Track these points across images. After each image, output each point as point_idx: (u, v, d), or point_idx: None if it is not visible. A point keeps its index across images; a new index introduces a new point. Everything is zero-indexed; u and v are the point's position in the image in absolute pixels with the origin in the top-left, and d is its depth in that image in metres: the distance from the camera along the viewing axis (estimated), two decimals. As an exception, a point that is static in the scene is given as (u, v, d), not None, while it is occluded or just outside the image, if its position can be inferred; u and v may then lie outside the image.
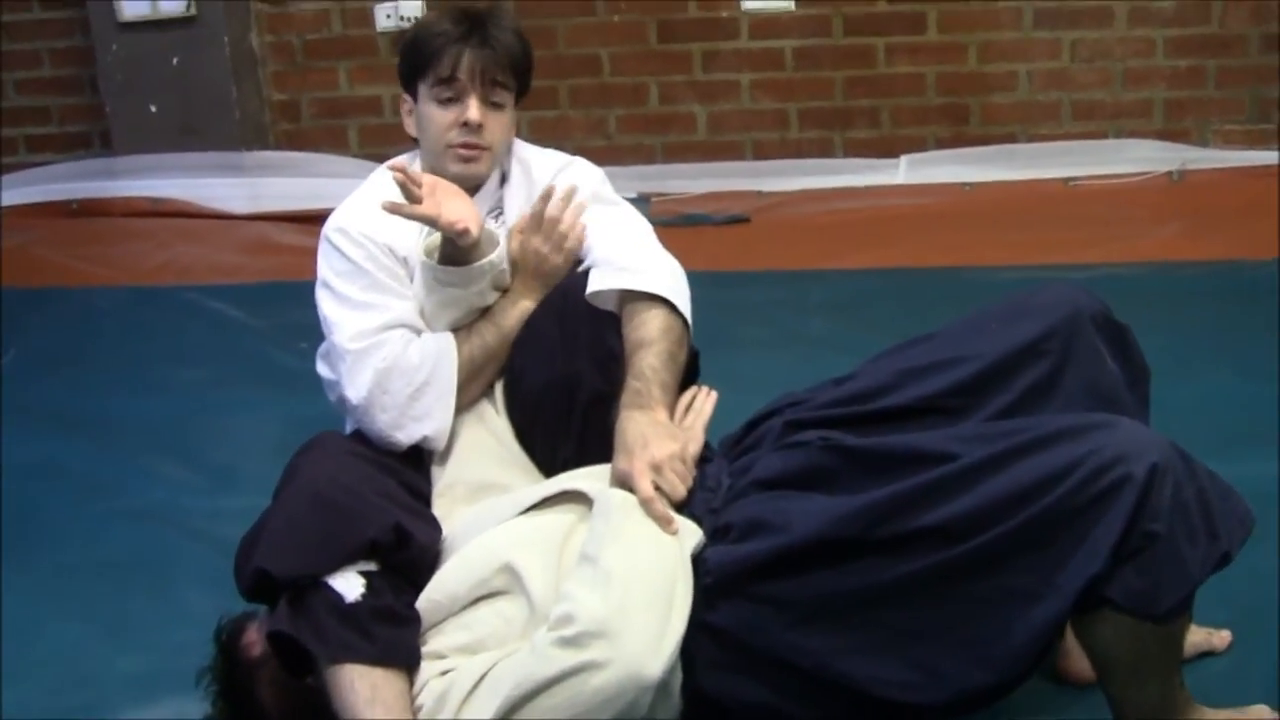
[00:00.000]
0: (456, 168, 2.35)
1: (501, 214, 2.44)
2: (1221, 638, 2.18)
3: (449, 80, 2.32)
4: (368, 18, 5.14)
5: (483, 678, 1.88)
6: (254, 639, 2.06)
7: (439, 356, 2.27)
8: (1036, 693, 2.07)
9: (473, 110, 2.32)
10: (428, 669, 1.94)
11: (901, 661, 1.79)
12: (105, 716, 2.25)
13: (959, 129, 4.92)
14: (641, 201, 4.78)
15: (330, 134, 5.28)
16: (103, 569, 2.70)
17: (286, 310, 3.97)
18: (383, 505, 2.05)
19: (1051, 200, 4.60)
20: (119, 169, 5.15)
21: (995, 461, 1.75)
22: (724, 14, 4.93)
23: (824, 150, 5.00)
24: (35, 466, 3.16)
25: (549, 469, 2.25)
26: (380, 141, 5.14)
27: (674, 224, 4.60)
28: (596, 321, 2.25)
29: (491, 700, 1.83)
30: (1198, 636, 2.15)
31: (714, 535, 1.96)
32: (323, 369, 2.43)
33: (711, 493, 2.05)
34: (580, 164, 2.51)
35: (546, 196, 2.35)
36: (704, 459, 2.13)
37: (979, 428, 1.88)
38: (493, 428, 2.31)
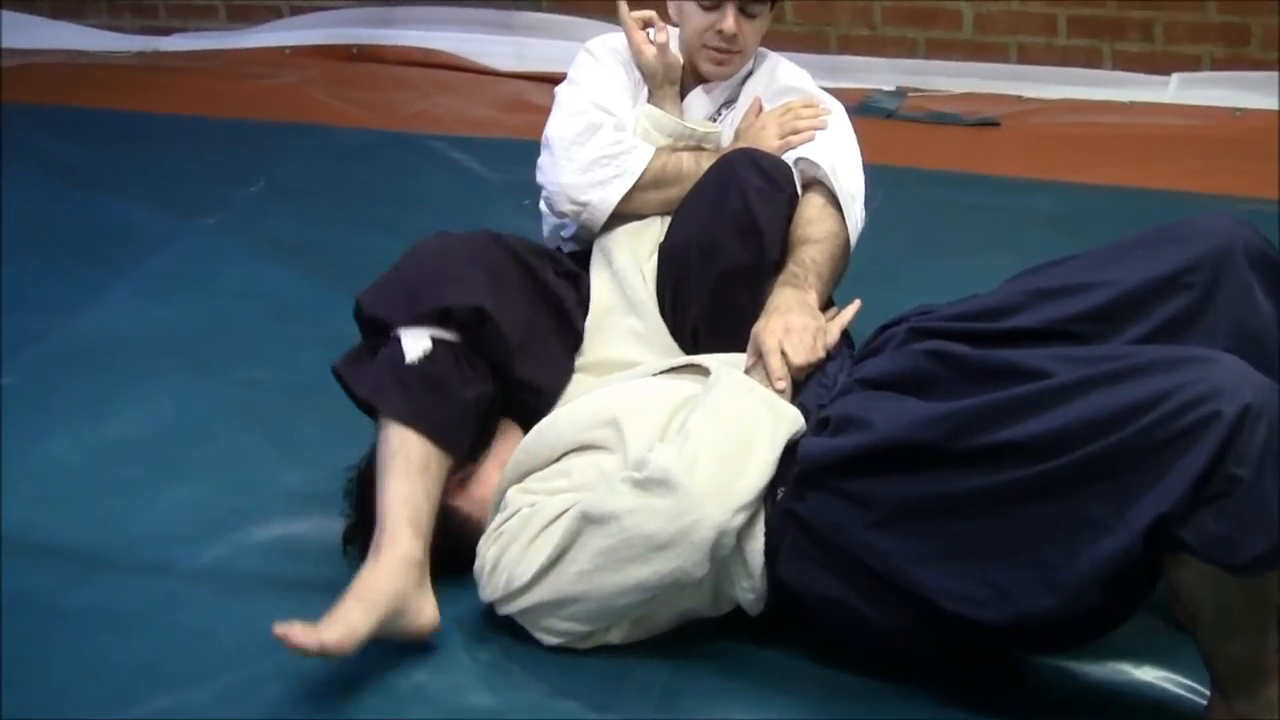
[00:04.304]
0: (707, 67, 2.56)
1: (734, 104, 2.62)
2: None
3: None
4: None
5: (565, 512, 1.95)
6: None
7: (636, 146, 2.47)
8: (1145, 634, 1.98)
9: (728, 21, 2.48)
10: (521, 499, 2.03)
11: (970, 576, 1.76)
12: (256, 522, 2.39)
13: (1237, 50, 4.52)
14: (898, 95, 4.67)
15: (601, 1, 5.29)
16: (285, 389, 2.81)
17: (522, 168, 4.00)
18: (476, 284, 2.16)
19: (1331, 136, 4.18)
20: (395, 18, 5.26)
21: (1084, 384, 1.68)
22: (1001, -91, 4.68)
23: (1091, 60, 4.69)
24: (245, 288, 3.30)
25: (677, 327, 2.34)
26: (648, 13, 5.16)
27: (923, 120, 4.47)
28: (746, 195, 2.31)
29: (561, 528, 1.92)
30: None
31: (816, 427, 1.98)
32: (540, 173, 2.60)
33: (826, 389, 2.08)
34: (825, 96, 2.63)
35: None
36: (829, 357, 2.15)
37: (1082, 350, 1.81)
38: (650, 322, 2.38)
